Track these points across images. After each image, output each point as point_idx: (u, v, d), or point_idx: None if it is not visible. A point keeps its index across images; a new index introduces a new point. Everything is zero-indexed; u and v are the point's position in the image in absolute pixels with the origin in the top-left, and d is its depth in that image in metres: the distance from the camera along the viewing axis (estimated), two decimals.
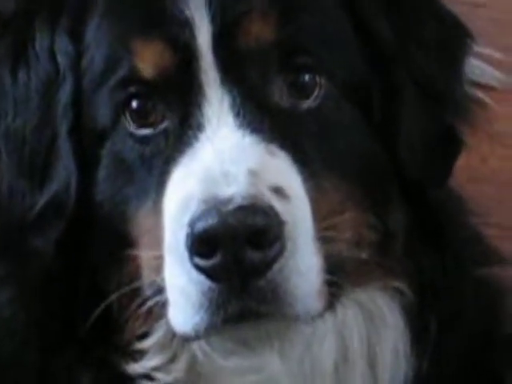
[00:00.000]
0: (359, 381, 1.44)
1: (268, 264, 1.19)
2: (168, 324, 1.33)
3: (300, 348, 1.40)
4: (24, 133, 1.42)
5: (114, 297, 1.37)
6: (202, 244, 1.18)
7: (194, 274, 1.21)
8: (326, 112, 1.34)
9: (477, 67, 1.68)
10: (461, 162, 1.50)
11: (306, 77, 1.33)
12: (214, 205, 1.18)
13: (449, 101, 1.45)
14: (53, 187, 1.40)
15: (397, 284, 1.43)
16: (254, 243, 1.17)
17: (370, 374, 1.44)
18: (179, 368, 1.41)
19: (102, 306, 1.36)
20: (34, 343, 1.47)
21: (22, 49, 1.45)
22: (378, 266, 1.41)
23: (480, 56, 1.64)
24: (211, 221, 1.16)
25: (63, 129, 1.39)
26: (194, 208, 1.20)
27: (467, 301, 1.51)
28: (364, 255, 1.37)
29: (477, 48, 1.58)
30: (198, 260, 1.19)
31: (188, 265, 1.21)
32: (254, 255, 1.17)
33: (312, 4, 1.39)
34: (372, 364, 1.44)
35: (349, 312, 1.41)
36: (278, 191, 1.22)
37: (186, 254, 1.21)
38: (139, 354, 1.42)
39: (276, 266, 1.19)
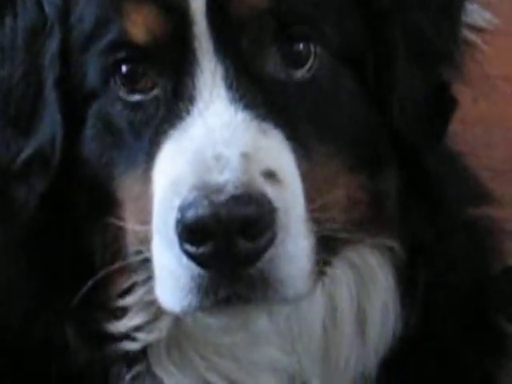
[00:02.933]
0: (348, 339, 1.41)
1: (259, 252, 1.15)
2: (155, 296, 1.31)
3: (288, 308, 1.37)
4: (10, 81, 1.37)
5: (101, 271, 1.30)
6: (192, 233, 1.14)
7: (184, 259, 1.17)
8: (321, 81, 1.29)
9: (467, 9, 1.60)
10: None
11: (301, 45, 1.28)
12: (205, 193, 1.13)
13: (444, 60, 1.40)
14: (38, 138, 1.35)
15: (388, 242, 1.40)
16: (245, 233, 1.14)
17: (359, 332, 1.42)
18: (162, 327, 1.38)
19: (93, 279, 1.29)
20: (18, 296, 1.43)
21: None
22: (371, 226, 1.38)
23: None
24: (202, 211, 1.12)
25: (50, 80, 1.34)
26: (184, 193, 1.16)
27: (457, 255, 1.47)
28: (358, 220, 1.34)
29: None
30: (188, 247, 1.15)
31: (178, 249, 1.17)
32: (245, 245, 1.14)
33: None
34: (361, 323, 1.41)
35: (338, 271, 1.38)
36: (271, 175, 1.18)
37: (175, 239, 1.17)
38: (121, 312, 1.38)
39: (267, 255, 1.16)
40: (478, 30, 1.52)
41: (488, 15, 1.56)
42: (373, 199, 1.36)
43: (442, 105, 1.41)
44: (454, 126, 1.52)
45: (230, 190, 1.12)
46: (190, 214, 1.13)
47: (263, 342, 1.39)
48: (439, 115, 1.40)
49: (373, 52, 1.35)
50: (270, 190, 1.16)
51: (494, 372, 1.60)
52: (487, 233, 1.60)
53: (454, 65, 1.41)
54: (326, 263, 1.29)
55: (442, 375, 1.49)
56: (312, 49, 1.28)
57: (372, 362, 1.43)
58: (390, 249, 1.41)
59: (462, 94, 1.51)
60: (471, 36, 1.50)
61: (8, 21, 1.39)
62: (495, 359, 1.60)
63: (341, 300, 1.40)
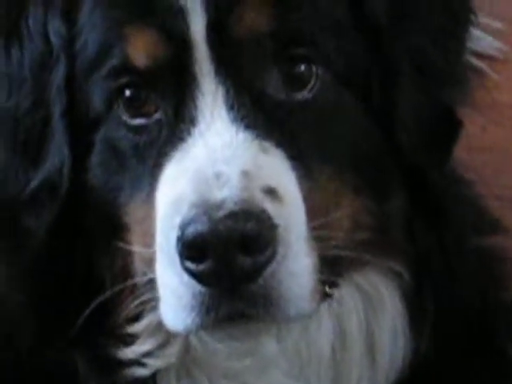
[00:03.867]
0: (357, 364, 1.38)
1: (259, 269, 1.14)
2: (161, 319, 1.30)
3: (297, 331, 1.35)
4: (18, 112, 1.35)
5: (108, 291, 1.28)
6: (192, 249, 1.13)
7: (185, 277, 1.16)
8: (322, 102, 1.27)
9: (476, 37, 1.63)
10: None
11: (302, 67, 1.26)
12: (204, 210, 1.13)
13: (448, 80, 1.36)
14: (46, 168, 1.34)
15: (395, 266, 1.37)
16: (244, 249, 1.12)
17: (368, 356, 1.38)
18: (172, 353, 1.37)
19: (99, 298, 1.28)
20: (27, 325, 1.40)
21: (15, 26, 1.38)
22: (376, 249, 1.34)
23: (479, 25, 1.54)
24: (201, 227, 1.11)
25: (56, 111, 1.32)
26: (185, 211, 1.15)
27: (466, 279, 1.43)
28: (362, 241, 1.31)
29: (476, 18, 1.47)
30: (188, 264, 1.13)
31: (179, 267, 1.16)
32: (244, 261, 1.12)
33: None
34: (370, 347, 1.38)
35: (346, 295, 1.36)
36: (271, 192, 1.16)
37: (177, 257, 1.16)
38: (131, 339, 1.37)
39: (267, 271, 1.14)
40: (488, 57, 1.54)
41: (497, 43, 1.58)
42: (378, 222, 1.34)
43: (447, 127, 1.37)
44: (463, 154, 1.52)
45: (230, 206, 1.11)
46: (190, 231, 1.12)
47: (272, 366, 1.37)
48: (444, 138, 1.37)
49: (376, 72, 1.32)
50: (270, 207, 1.14)
51: None
52: (496, 261, 1.56)
53: (459, 87, 1.39)
54: (333, 285, 1.27)
55: None
56: (314, 70, 1.26)
57: None
58: (397, 273, 1.38)
59: (471, 121, 1.45)
60: (480, 64, 1.49)
61: (14, 52, 1.38)
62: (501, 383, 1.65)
63: (349, 323, 1.38)
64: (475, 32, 1.52)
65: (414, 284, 1.39)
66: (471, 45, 1.52)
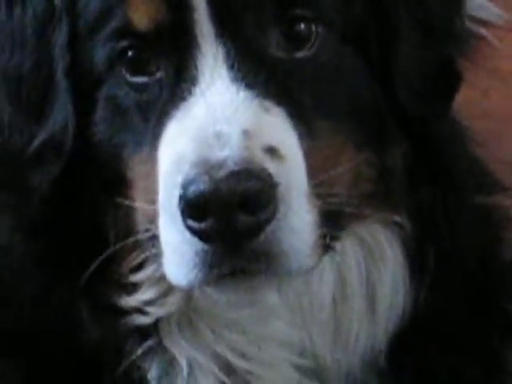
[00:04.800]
0: (357, 315, 1.39)
1: (260, 227, 1.14)
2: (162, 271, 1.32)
3: (298, 282, 1.35)
4: (21, 70, 1.36)
5: (112, 247, 1.29)
6: (193, 208, 1.14)
7: (188, 234, 1.16)
8: (323, 59, 1.26)
9: (479, 4, 1.61)
10: (461, 97, 1.42)
11: (302, 26, 1.26)
12: (205, 169, 1.13)
13: (448, 34, 1.38)
14: (50, 125, 1.34)
15: (397, 218, 1.37)
16: (246, 207, 1.13)
17: (369, 307, 1.39)
18: (173, 302, 1.37)
19: (104, 254, 1.28)
20: (31, 275, 1.42)
21: None
22: (378, 201, 1.35)
23: None
24: (203, 186, 1.11)
25: (60, 69, 1.33)
26: (186, 170, 1.16)
27: (466, 232, 1.45)
28: (364, 195, 1.32)
29: None
30: (190, 222, 1.14)
31: (181, 225, 1.16)
32: (245, 219, 1.13)
33: None
34: (370, 297, 1.39)
35: (348, 246, 1.36)
36: (272, 151, 1.16)
37: (179, 215, 1.16)
38: (133, 287, 1.38)
39: (268, 228, 1.15)
40: (490, 25, 1.53)
41: (500, 11, 1.57)
42: (379, 175, 1.34)
43: (447, 78, 1.37)
44: (465, 120, 1.53)
45: (230, 165, 1.11)
46: (192, 190, 1.12)
47: (273, 316, 1.38)
48: (445, 88, 1.36)
49: (376, 27, 1.32)
50: (271, 166, 1.15)
51: (501, 350, 1.57)
52: (498, 220, 1.58)
53: (458, 40, 1.42)
54: (334, 238, 1.26)
55: (450, 353, 1.46)
56: (313, 29, 1.26)
57: (382, 338, 1.40)
58: (399, 225, 1.38)
59: (473, 87, 1.49)
60: (482, 30, 1.51)
61: (17, 11, 1.38)
62: (502, 339, 1.57)
63: (350, 274, 1.38)
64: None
65: (414, 236, 1.38)
66: (474, 12, 1.50)
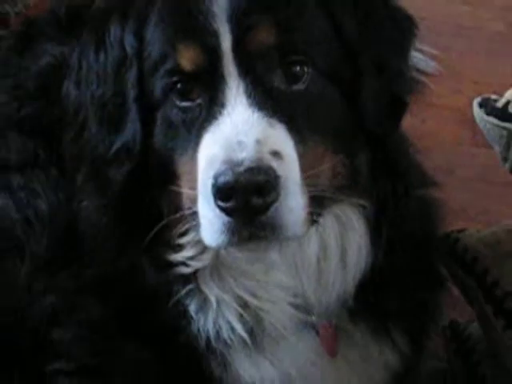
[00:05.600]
0: (333, 268, 1.59)
1: (267, 206, 1.34)
2: (199, 235, 1.48)
3: (293, 245, 1.55)
4: (103, 98, 1.56)
5: (165, 220, 1.52)
6: (221, 193, 1.32)
7: (217, 211, 1.35)
8: (311, 91, 1.46)
9: (419, 58, 1.83)
10: (406, 122, 1.62)
11: (297, 68, 1.44)
12: (230, 166, 1.32)
13: (398, 79, 1.56)
14: (124, 136, 1.55)
15: (362, 202, 1.58)
16: (257, 193, 1.31)
17: (342, 263, 1.59)
18: (207, 258, 1.57)
19: (159, 224, 1.51)
20: (111, 240, 1.65)
21: (101, 37, 1.57)
22: (349, 190, 1.55)
23: (421, 51, 1.81)
24: (228, 178, 1.31)
25: (130, 98, 1.53)
26: (217, 166, 1.34)
27: (409, 214, 1.64)
28: (339, 184, 1.51)
29: (420, 46, 1.72)
30: (219, 202, 1.33)
31: (213, 205, 1.36)
32: (257, 201, 1.32)
33: (300, 15, 1.48)
34: (343, 256, 1.58)
35: (327, 221, 1.55)
36: (276, 154, 1.35)
37: (211, 197, 1.35)
38: (179, 247, 1.58)
39: (273, 207, 1.34)
40: (426, 73, 1.76)
41: (433, 64, 1.79)
42: (350, 172, 1.53)
43: (397, 107, 1.57)
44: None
45: (247, 163, 1.30)
46: (220, 181, 1.31)
47: (275, 268, 1.57)
48: (395, 114, 1.57)
49: (349, 70, 1.50)
50: (275, 164, 1.33)
51: (429, 298, 1.80)
52: (431, 207, 1.77)
53: (406, 82, 1.58)
54: (318, 215, 1.46)
55: (397, 295, 1.67)
56: (305, 69, 1.45)
57: (351, 284, 1.60)
58: (363, 206, 1.58)
59: (414, 116, 1.63)
60: (421, 77, 1.66)
61: (101, 56, 1.57)
62: (433, 290, 1.81)
63: (329, 240, 1.57)
64: (418, 55, 1.73)
65: (374, 215, 1.58)
66: (415, 63, 1.71)
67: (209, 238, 1.41)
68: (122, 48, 1.54)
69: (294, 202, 1.37)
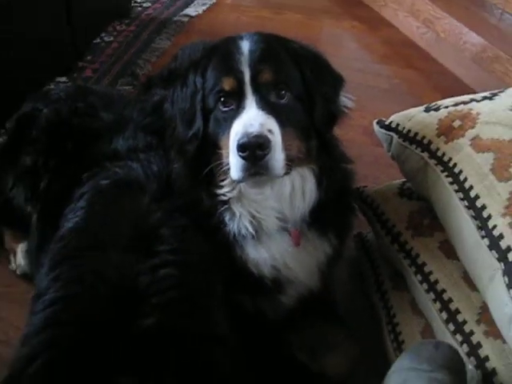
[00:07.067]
0: (298, 198, 1.98)
1: (264, 156, 1.70)
2: (230, 176, 1.78)
3: (277, 185, 1.93)
4: (184, 110, 1.97)
5: (213, 163, 1.91)
6: (241, 148, 1.68)
7: (239, 158, 1.72)
8: (289, 105, 1.85)
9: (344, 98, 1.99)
10: (335, 131, 1.95)
11: (282, 92, 1.85)
12: (246, 134, 1.70)
13: (334, 106, 1.98)
14: (193, 129, 1.94)
15: (312, 166, 1.94)
16: (259, 148, 1.69)
17: (302, 197, 1.98)
18: (234, 191, 1.95)
19: (209, 167, 1.93)
20: (187, 182, 2.02)
21: (184, 81, 1.98)
22: (306, 159, 1.91)
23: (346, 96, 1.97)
24: (244, 140, 1.70)
25: (198, 110, 1.92)
26: (239, 136, 1.71)
27: (336, 175, 2.05)
28: (301, 155, 1.87)
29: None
30: (240, 153, 1.69)
31: (236, 155, 1.72)
32: (259, 153, 1.71)
33: (284, 67, 1.87)
34: (303, 193, 1.99)
35: (294, 175, 1.92)
36: (270, 131, 1.72)
37: (236, 151, 1.70)
38: (221, 186, 1.99)
39: (267, 157, 1.71)
40: (347, 107, 2.03)
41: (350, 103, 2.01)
42: (306, 149, 1.90)
43: (332, 120, 1.99)
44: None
45: (254, 133, 1.70)
46: (240, 142, 1.69)
47: (268, 198, 1.97)
48: (331, 123, 2.01)
49: (309, 97, 1.91)
50: (269, 135, 1.71)
51: (347, 218, 2.25)
52: (349, 173, 2.21)
53: (337, 108, 2.01)
54: (290, 168, 1.83)
55: (330, 215, 2.14)
56: (286, 93, 1.87)
57: (307, 208, 2.01)
58: (313, 169, 1.96)
59: (339, 130, 2.02)
60: (344, 109, 1.87)
61: (184, 89, 1.97)
62: (349, 214, 2.27)
63: (295, 184, 1.97)
64: (343, 96, 1.98)
65: (319, 173, 1.97)
66: (342, 101, 1.98)
67: (234, 174, 1.76)
68: (195, 84, 1.90)
69: (277, 155, 1.74)
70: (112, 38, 4.31)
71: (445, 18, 4.08)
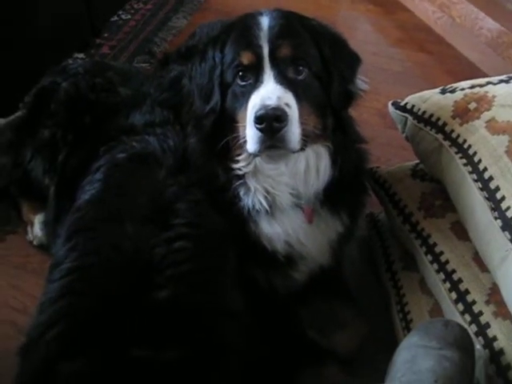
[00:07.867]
0: (312, 175, 1.96)
1: (281, 129, 1.69)
2: (246, 150, 1.77)
3: (292, 161, 1.91)
4: (202, 85, 1.95)
5: (229, 137, 1.89)
6: (258, 120, 1.66)
7: (256, 130, 1.70)
8: (306, 81, 1.83)
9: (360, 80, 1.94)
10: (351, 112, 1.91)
11: (300, 68, 1.82)
12: (263, 107, 1.69)
13: (351, 85, 1.96)
14: (211, 104, 1.93)
15: (328, 144, 1.93)
16: (276, 120, 1.67)
17: (316, 174, 1.97)
18: (250, 166, 1.95)
19: (226, 139, 1.91)
20: (203, 157, 2.03)
21: (203, 56, 1.97)
22: (322, 136, 1.90)
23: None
24: (262, 112, 1.69)
25: (216, 84, 1.89)
26: (257, 108, 1.70)
27: (351, 155, 2.03)
28: (317, 131, 1.86)
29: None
30: (257, 125, 1.67)
31: (254, 127, 1.70)
32: (276, 125, 1.69)
33: (303, 42, 1.86)
34: (317, 170, 1.97)
35: (309, 152, 1.90)
36: (287, 104, 1.71)
37: (253, 123, 1.68)
38: (237, 161, 1.96)
39: (284, 129, 1.69)
40: (362, 90, 2.01)
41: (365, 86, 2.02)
42: (322, 127, 1.88)
43: (349, 98, 1.97)
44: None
45: (272, 106, 1.69)
46: (257, 114, 1.68)
47: (283, 174, 1.95)
48: (347, 102, 1.98)
49: (327, 74, 1.88)
50: (286, 108, 1.69)
51: (360, 197, 2.25)
52: (363, 153, 2.17)
53: (354, 87, 1.98)
54: (305, 144, 1.81)
55: (343, 194, 2.08)
56: (304, 69, 1.85)
57: (321, 185, 1.99)
58: (328, 146, 1.94)
59: (353, 112, 2.03)
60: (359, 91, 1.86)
61: (202, 65, 1.96)
62: (362, 194, 2.25)
63: (310, 161, 1.96)
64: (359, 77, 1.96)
65: (334, 151, 1.94)
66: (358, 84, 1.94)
67: (251, 147, 1.75)
68: (213, 59, 1.90)
69: (294, 129, 1.73)
70: (129, 16, 4.35)
71: (461, 2, 3.99)
